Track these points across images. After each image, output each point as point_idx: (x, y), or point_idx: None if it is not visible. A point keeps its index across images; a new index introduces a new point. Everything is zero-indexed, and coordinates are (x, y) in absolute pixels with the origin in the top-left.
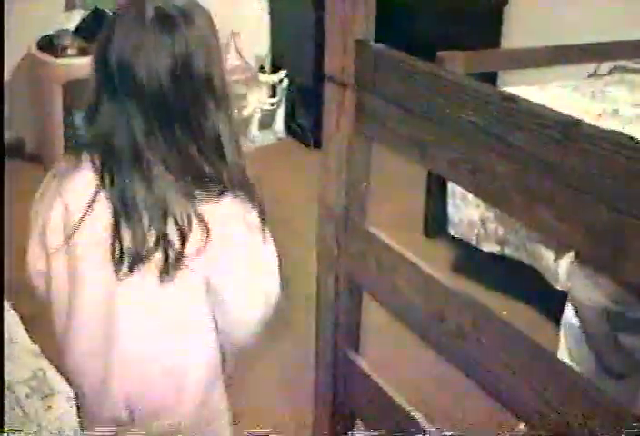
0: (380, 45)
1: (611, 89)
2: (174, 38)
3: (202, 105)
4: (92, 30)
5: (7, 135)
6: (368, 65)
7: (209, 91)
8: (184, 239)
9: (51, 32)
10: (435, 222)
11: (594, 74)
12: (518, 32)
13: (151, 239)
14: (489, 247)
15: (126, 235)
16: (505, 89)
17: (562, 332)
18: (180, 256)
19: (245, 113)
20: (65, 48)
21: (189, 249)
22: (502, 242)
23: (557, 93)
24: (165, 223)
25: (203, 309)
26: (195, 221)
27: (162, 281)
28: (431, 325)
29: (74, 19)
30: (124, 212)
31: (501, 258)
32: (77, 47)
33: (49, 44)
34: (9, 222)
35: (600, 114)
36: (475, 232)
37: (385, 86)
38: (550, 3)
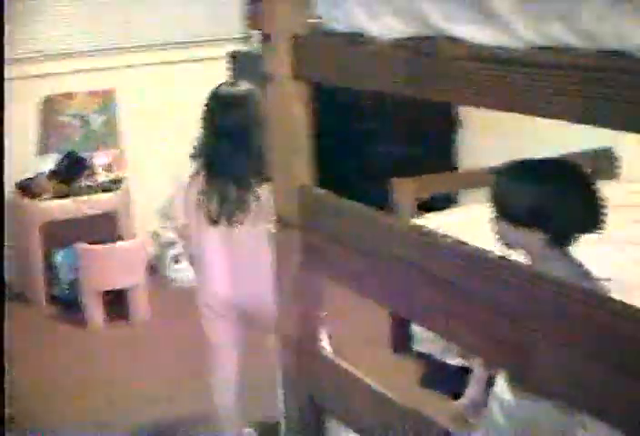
0: (319, 190)
1: None
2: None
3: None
4: (67, 173)
5: None
6: (309, 208)
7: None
8: (255, 204)
9: (28, 176)
10: (402, 338)
11: None
12: (473, 152)
13: (239, 207)
14: (453, 360)
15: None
16: (461, 207)
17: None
18: (256, 213)
19: None
20: (40, 191)
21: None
22: (464, 355)
23: None
24: (247, 196)
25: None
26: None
27: (249, 229)
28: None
29: (49, 163)
30: (222, 197)
31: (466, 370)
32: (53, 190)
33: (26, 188)
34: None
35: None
36: (439, 346)
37: (324, 226)
38: (499, 125)
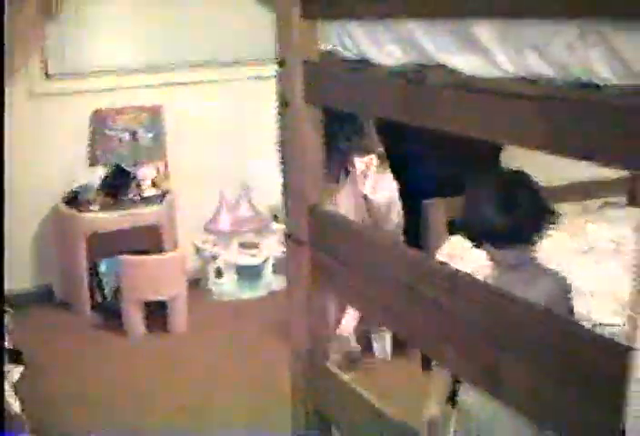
0: (326, 210)
1: (591, 226)
2: None
3: None
4: (114, 186)
5: (37, 283)
6: (318, 226)
7: None
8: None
9: (76, 187)
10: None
11: (584, 211)
12: None
13: None
14: None
15: None
16: None
17: None
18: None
19: (259, 261)
20: (88, 203)
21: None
22: None
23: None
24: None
25: None
26: None
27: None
28: None
29: (97, 175)
30: None
31: None
32: (100, 202)
33: (74, 199)
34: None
35: (576, 251)
36: None
37: (330, 244)
38: None
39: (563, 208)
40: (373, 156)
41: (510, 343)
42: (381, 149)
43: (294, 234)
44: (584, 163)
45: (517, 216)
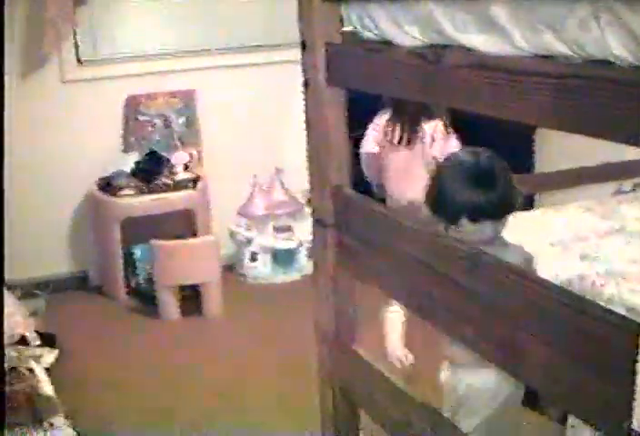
0: (350, 191)
1: (623, 207)
2: None
3: None
4: (148, 171)
5: (72, 269)
6: (342, 208)
7: None
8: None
9: (109, 173)
10: None
11: (617, 192)
12: (551, 154)
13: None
14: None
15: None
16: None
17: None
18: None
19: (293, 244)
20: (122, 188)
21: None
22: None
23: (571, 214)
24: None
25: None
26: None
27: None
28: (401, 430)
29: (130, 161)
30: None
31: None
32: (134, 187)
33: (107, 185)
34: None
35: (606, 232)
36: None
37: (354, 226)
38: None
39: (592, 189)
40: (439, 121)
41: (526, 321)
42: (446, 115)
43: (319, 216)
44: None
45: (496, 193)
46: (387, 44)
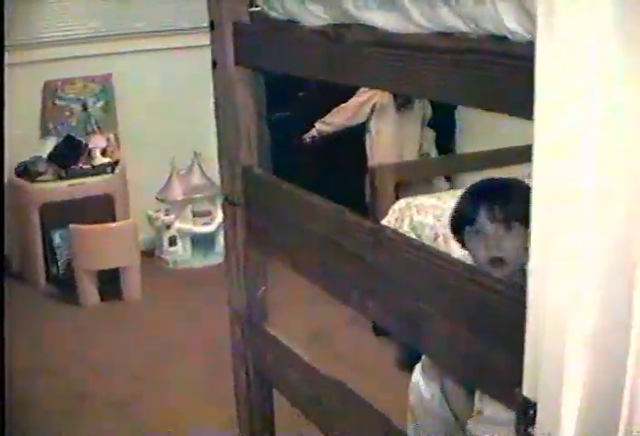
0: (259, 171)
1: None
2: None
3: None
4: (65, 156)
5: None
6: (252, 188)
7: None
8: None
9: (26, 158)
10: None
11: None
12: (471, 137)
13: None
14: None
15: None
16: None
17: None
18: None
19: (212, 228)
20: (40, 174)
21: None
22: None
23: None
24: None
25: None
26: None
27: None
28: (312, 407)
29: (48, 146)
30: None
31: None
32: (51, 173)
33: (25, 171)
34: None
35: None
36: None
37: (263, 204)
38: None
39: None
40: None
41: (429, 295)
42: None
43: (229, 196)
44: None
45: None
46: (293, 23)
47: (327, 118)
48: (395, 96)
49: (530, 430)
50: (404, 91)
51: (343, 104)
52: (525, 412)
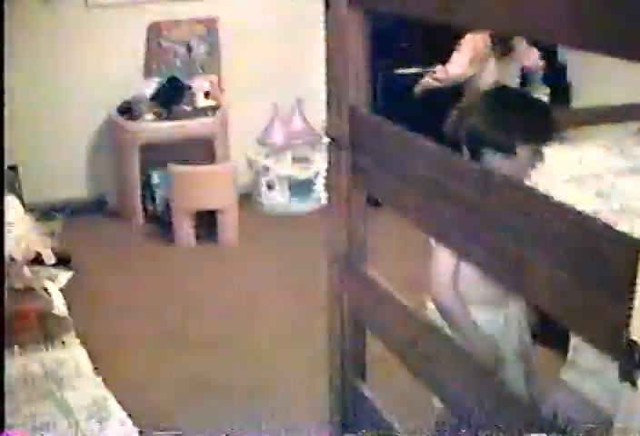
0: (366, 112)
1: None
2: None
3: None
4: (168, 97)
5: (91, 193)
6: (358, 129)
7: None
8: None
9: (129, 97)
10: None
11: (636, 133)
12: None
13: None
14: None
15: None
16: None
17: None
18: None
19: (310, 174)
20: (142, 113)
21: None
22: None
23: (586, 151)
24: None
25: None
26: None
27: None
28: (407, 350)
29: (151, 86)
30: None
31: None
32: (154, 113)
33: (128, 109)
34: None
35: (621, 170)
36: None
37: (369, 146)
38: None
39: (611, 130)
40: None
41: (534, 240)
42: None
43: (335, 137)
44: None
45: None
46: None
47: (438, 74)
48: (494, 45)
49: (635, 373)
50: (520, 32)
51: (452, 59)
52: (631, 357)
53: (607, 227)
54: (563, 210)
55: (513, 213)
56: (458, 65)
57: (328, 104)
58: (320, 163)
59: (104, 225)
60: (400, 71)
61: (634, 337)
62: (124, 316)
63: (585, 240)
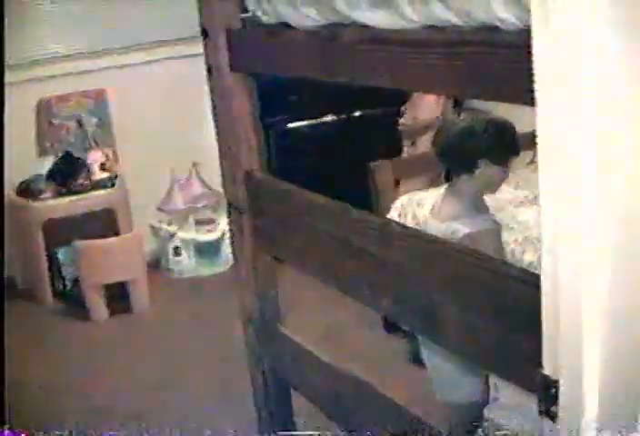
0: (262, 175)
1: (536, 176)
2: None
3: None
4: (64, 173)
5: None
6: (255, 193)
7: None
8: None
9: (26, 177)
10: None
11: (531, 161)
12: None
13: None
14: None
15: None
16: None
17: None
18: None
19: (215, 236)
20: (40, 192)
21: None
22: None
23: None
24: None
25: None
26: None
27: None
28: (331, 404)
29: (46, 165)
30: None
31: None
32: (52, 190)
33: (25, 190)
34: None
35: (522, 202)
36: None
37: (268, 209)
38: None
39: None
40: None
41: (442, 286)
42: None
43: (233, 202)
44: None
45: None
46: (286, 26)
47: (407, 118)
48: None
49: (553, 408)
50: (401, 86)
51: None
52: (547, 391)
53: (507, 265)
54: (463, 254)
55: (415, 262)
56: (429, 110)
57: (222, 169)
58: (225, 224)
59: (14, 305)
60: (292, 125)
61: (546, 372)
62: (46, 396)
63: (489, 280)
